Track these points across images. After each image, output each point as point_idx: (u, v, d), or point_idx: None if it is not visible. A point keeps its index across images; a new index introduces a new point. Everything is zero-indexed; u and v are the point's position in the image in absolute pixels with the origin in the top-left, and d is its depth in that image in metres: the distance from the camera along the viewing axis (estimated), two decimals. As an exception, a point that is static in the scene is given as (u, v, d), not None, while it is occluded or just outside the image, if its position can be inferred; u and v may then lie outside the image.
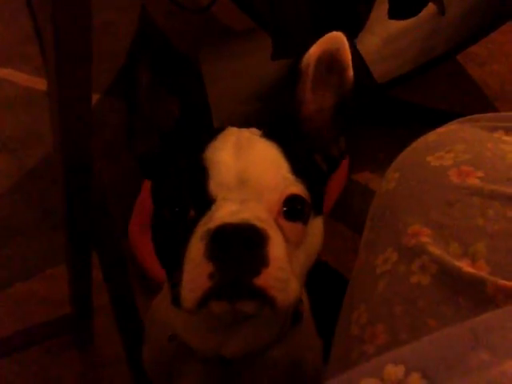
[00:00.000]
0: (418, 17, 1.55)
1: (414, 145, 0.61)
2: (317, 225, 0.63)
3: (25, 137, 1.54)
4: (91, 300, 1.04)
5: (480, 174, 0.52)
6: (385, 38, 1.63)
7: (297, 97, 0.65)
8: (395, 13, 1.14)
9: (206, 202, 0.58)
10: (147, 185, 0.71)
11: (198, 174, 0.59)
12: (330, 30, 1.18)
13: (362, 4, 1.13)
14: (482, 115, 0.61)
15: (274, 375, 0.75)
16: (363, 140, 1.63)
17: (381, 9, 1.50)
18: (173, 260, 0.59)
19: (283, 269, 0.56)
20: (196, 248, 0.56)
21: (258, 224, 0.55)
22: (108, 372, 1.13)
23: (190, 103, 0.69)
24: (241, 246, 0.54)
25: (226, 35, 1.85)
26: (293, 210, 0.59)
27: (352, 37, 1.16)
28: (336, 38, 0.62)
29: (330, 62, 0.62)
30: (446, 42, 1.64)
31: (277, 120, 0.67)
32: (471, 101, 1.83)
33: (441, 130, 0.61)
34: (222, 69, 1.70)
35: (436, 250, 0.49)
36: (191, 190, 0.60)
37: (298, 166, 0.62)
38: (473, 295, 0.46)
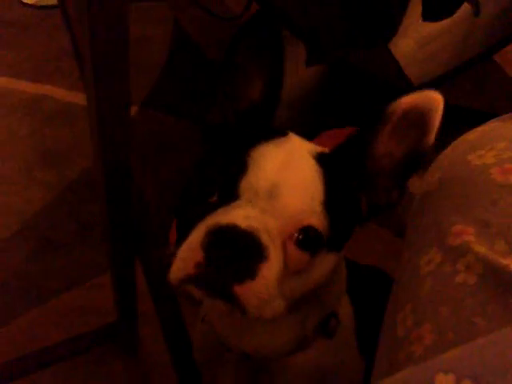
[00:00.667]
0: (453, 18, 1.54)
1: (454, 144, 0.61)
2: (326, 260, 0.63)
3: (65, 150, 1.57)
4: (136, 308, 1.05)
5: (524, 171, 0.51)
6: (419, 41, 1.61)
7: (373, 135, 0.64)
8: (429, 14, 1.13)
9: (231, 196, 0.59)
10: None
11: (239, 167, 0.60)
12: (364, 36, 1.19)
13: (396, 8, 1.12)
14: (523, 113, 0.61)
15: (299, 382, 0.75)
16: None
17: (415, 11, 1.50)
18: (184, 233, 0.60)
19: (266, 288, 0.57)
20: (199, 232, 0.57)
21: (264, 239, 0.57)
22: (153, 380, 1.14)
23: (271, 93, 0.70)
24: (236, 251, 0.56)
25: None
26: (305, 239, 0.59)
27: (386, 41, 1.16)
28: (432, 99, 0.60)
29: (417, 118, 0.60)
30: (481, 42, 1.63)
31: (345, 148, 0.66)
32: (508, 101, 1.80)
33: (481, 127, 0.60)
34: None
35: (481, 249, 0.48)
36: (225, 178, 0.61)
37: (335, 200, 0.61)
38: None
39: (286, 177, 0.60)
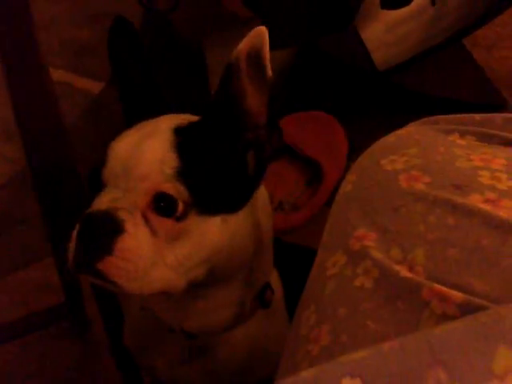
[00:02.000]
0: (420, 3, 1.54)
1: (373, 146, 0.62)
2: (208, 224, 0.65)
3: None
4: (80, 288, 1.07)
5: (427, 179, 0.53)
6: (387, 25, 1.61)
7: (232, 90, 0.66)
8: (387, 2, 1.13)
9: (100, 186, 0.66)
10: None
11: (103, 159, 0.66)
12: (324, 20, 1.19)
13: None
14: (441, 116, 0.62)
15: (238, 355, 0.78)
16: (363, 127, 1.63)
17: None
18: None
19: (129, 260, 0.62)
20: (76, 225, 0.64)
21: (120, 214, 0.62)
22: (104, 358, 1.16)
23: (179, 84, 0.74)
24: (90, 234, 0.62)
25: (231, 22, 1.86)
26: (164, 206, 0.63)
27: (344, 27, 1.16)
28: (260, 34, 0.63)
29: (257, 57, 0.63)
30: (450, 27, 1.63)
31: (214, 111, 0.69)
32: (477, 87, 1.80)
33: (399, 131, 0.62)
34: (227, 54, 1.71)
35: (378, 255, 0.50)
36: (93, 173, 0.67)
37: (197, 163, 0.64)
38: (409, 299, 0.47)
39: (136, 152, 0.64)
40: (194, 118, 0.70)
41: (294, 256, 0.88)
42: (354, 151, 1.57)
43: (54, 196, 0.85)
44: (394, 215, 0.52)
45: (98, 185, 0.66)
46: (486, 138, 0.58)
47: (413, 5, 1.53)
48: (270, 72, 0.64)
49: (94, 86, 1.71)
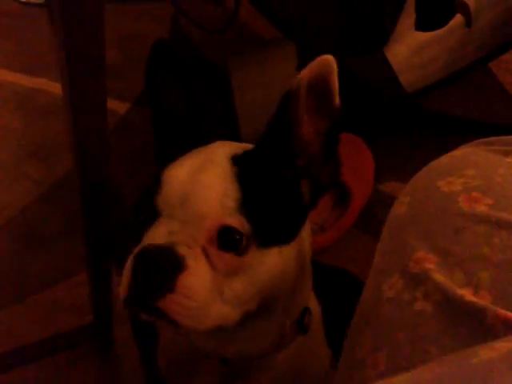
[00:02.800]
0: (448, 26, 1.54)
1: (427, 168, 0.61)
2: (266, 256, 0.63)
3: (56, 145, 1.57)
4: (111, 309, 1.06)
5: (489, 201, 0.52)
6: (414, 48, 1.61)
7: (291, 118, 0.64)
8: (422, 24, 1.13)
9: (154, 215, 0.62)
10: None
11: (155, 186, 0.63)
12: (356, 41, 1.18)
13: (388, 15, 1.12)
14: (497, 138, 0.60)
15: (278, 379, 0.76)
16: (390, 149, 1.62)
17: (411, 18, 1.50)
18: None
19: (191, 297, 0.59)
20: (130, 257, 0.61)
21: (180, 250, 0.59)
22: (127, 380, 1.15)
23: (203, 109, 0.72)
24: (152, 269, 0.58)
25: (256, 43, 1.86)
26: (226, 240, 0.60)
27: (378, 48, 1.16)
28: (326, 63, 0.61)
29: (321, 85, 0.61)
30: (476, 50, 1.63)
31: (268, 139, 0.67)
32: (503, 110, 1.80)
33: (454, 153, 0.60)
34: (251, 77, 1.71)
35: (440, 278, 0.49)
36: (146, 201, 0.63)
37: (258, 194, 0.62)
38: (472, 324, 0.45)
39: (195, 182, 0.61)
40: (247, 146, 0.68)
41: (325, 276, 0.87)
42: (381, 173, 1.56)
43: (98, 214, 0.85)
44: (455, 237, 0.51)
45: (149, 211, 0.63)
46: (544, 159, 0.57)
47: (441, 28, 1.53)
48: (337, 101, 0.62)
49: (120, 107, 1.72)
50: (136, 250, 0.60)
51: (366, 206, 1.49)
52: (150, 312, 0.60)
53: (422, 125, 1.69)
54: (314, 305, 0.78)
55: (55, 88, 1.70)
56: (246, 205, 0.60)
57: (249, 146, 0.67)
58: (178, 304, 0.58)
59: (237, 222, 0.60)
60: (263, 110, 1.67)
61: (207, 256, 0.60)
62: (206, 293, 0.59)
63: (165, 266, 0.58)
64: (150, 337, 0.89)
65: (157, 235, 0.60)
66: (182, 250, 0.59)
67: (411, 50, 1.62)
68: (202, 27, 1.46)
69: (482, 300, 0.46)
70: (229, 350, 0.73)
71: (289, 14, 1.32)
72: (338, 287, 0.87)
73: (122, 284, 0.61)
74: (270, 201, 0.64)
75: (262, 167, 0.65)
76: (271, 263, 0.64)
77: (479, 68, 1.67)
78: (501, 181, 0.53)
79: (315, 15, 1.25)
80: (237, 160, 0.64)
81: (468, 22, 1.22)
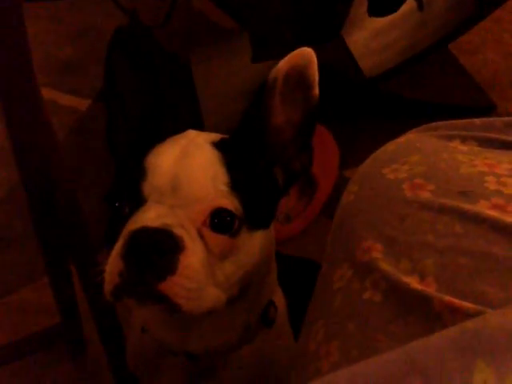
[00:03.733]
0: (405, 9, 1.55)
1: (374, 156, 0.61)
2: (253, 239, 0.64)
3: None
4: (77, 308, 1.05)
5: (432, 187, 0.52)
6: (373, 32, 1.62)
7: (266, 108, 0.66)
8: (375, 9, 1.13)
9: (139, 202, 0.61)
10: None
11: (138, 174, 0.62)
12: (310, 31, 1.18)
13: (340, 4, 1.12)
14: (441, 123, 0.61)
15: (245, 374, 0.76)
16: (354, 135, 1.63)
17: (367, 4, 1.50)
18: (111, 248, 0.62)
19: (192, 278, 0.58)
20: (117, 245, 0.59)
21: (176, 231, 0.58)
22: (102, 377, 1.14)
23: (167, 100, 0.71)
24: (150, 251, 0.57)
25: (216, 34, 1.85)
26: (219, 222, 0.61)
27: (332, 36, 1.16)
28: (306, 55, 0.62)
29: (298, 77, 0.63)
30: (434, 33, 1.63)
31: (241, 127, 0.68)
32: (464, 91, 1.81)
33: (399, 139, 0.61)
34: (213, 68, 1.70)
35: (387, 267, 0.49)
36: (129, 188, 0.63)
37: (241, 179, 0.63)
38: (420, 312, 0.46)
39: (184, 167, 0.61)
40: (217, 135, 0.68)
41: (291, 267, 0.87)
42: (345, 160, 1.56)
43: (48, 214, 0.84)
44: (400, 225, 0.51)
45: (131, 198, 0.62)
46: (488, 143, 0.58)
47: (398, 12, 1.53)
48: (317, 91, 0.63)
49: (80, 103, 1.69)
50: (125, 234, 0.59)
51: (332, 194, 1.50)
52: (147, 298, 0.59)
53: (384, 110, 1.70)
54: (279, 298, 0.78)
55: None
56: (236, 188, 0.61)
57: (218, 136, 0.68)
58: (180, 285, 0.57)
59: (230, 203, 0.61)
60: (225, 100, 1.67)
61: (202, 238, 0.60)
62: (204, 274, 0.59)
63: (165, 247, 0.57)
64: (117, 338, 0.89)
65: (147, 219, 0.59)
66: (179, 232, 0.58)
67: (370, 36, 1.63)
68: (142, 23, 1.44)
69: (428, 287, 0.47)
70: (193, 345, 0.72)
71: (245, 5, 1.32)
72: (304, 278, 0.87)
73: (109, 273, 0.59)
74: (253, 185, 0.65)
75: (240, 153, 0.65)
76: (258, 246, 0.65)
77: (439, 50, 1.68)
78: (444, 166, 0.53)
79: (270, 5, 1.25)
80: (216, 146, 0.64)
81: (420, 6, 1.22)
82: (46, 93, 1.69)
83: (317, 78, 0.63)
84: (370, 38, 1.62)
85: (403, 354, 0.38)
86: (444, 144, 0.57)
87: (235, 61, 1.68)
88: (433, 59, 1.70)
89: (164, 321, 0.72)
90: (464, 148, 0.56)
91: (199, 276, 0.59)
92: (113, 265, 0.59)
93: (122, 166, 0.68)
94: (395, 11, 1.19)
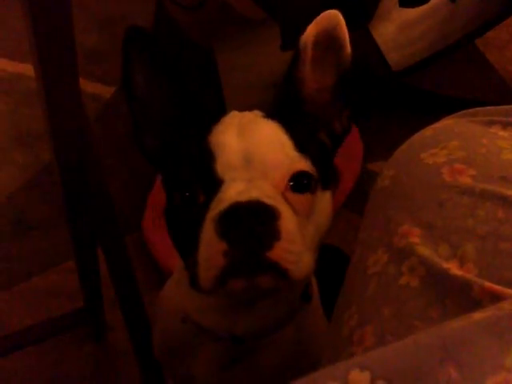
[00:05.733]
0: (434, 3, 1.53)
1: (410, 141, 0.60)
2: (325, 198, 0.65)
3: (41, 131, 1.55)
4: (101, 294, 1.06)
5: (472, 171, 0.51)
6: (400, 25, 1.60)
7: (297, 76, 0.66)
8: (406, 1, 1.12)
9: (214, 185, 0.61)
10: (159, 180, 0.72)
11: (205, 157, 0.62)
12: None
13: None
14: (480, 109, 0.60)
15: (284, 355, 0.76)
16: (378, 128, 1.62)
17: (396, -5, 1.49)
18: (188, 244, 0.61)
19: (295, 241, 0.59)
20: (209, 229, 0.58)
21: (267, 200, 0.58)
22: (120, 363, 1.14)
23: (192, 89, 0.70)
24: (251, 222, 0.57)
25: (241, 24, 1.84)
26: (300, 183, 0.62)
27: (361, 26, 1.15)
28: (332, 17, 0.62)
29: (328, 40, 0.63)
30: (463, 27, 1.62)
31: (279, 100, 0.68)
32: (490, 87, 1.79)
33: (437, 125, 0.60)
34: (237, 58, 1.69)
35: (425, 251, 0.48)
36: (199, 174, 0.62)
37: (302, 143, 0.63)
38: (459, 298, 0.45)
39: (250, 139, 0.62)
40: (259, 112, 0.68)
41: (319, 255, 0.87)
42: (370, 153, 1.55)
43: (78, 198, 0.84)
44: (439, 210, 0.50)
45: (205, 181, 0.61)
46: (528, 130, 0.56)
47: (426, 5, 1.51)
48: (349, 50, 0.64)
49: (105, 91, 1.70)
50: (215, 214, 0.58)
51: (356, 186, 1.49)
52: (258, 270, 0.58)
53: (410, 103, 1.69)
54: (313, 278, 0.78)
55: (39, 73, 1.69)
56: (303, 152, 0.62)
57: (260, 112, 0.68)
58: (287, 250, 0.58)
59: (306, 166, 0.62)
60: (250, 91, 1.66)
61: (288, 203, 0.61)
62: (301, 237, 0.60)
63: (266, 217, 0.57)
64: (143, 324, 0.89)
65: (234, 195, 0.59)
66: (269, 201, 0.58)
67: (398, 29, 1.61)
68: (178, 3, 1.43)
69: (468, 273, 0.46)
70: (243, 328, 0.72)
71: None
72: (329, 265, 0.87)
73: (208, 259, 0.58)
74: (313, 147, 0.65)
75: (291, 122, 0.65)
76: (328, 206, 0.66)
77: (466, 45, 1.66)
78: (484, 151, 0.52)
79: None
80: (270, 116, 0.65)
81: (453, -3, 1.21)
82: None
83: (347, 37, 0.63)
84: (398, 31, 1.60)
85: (437, 339, 0.38)
86: (484, 129, 0.56)
87: (259, 50, 1.67)
88: (459, 54, 1.69)
89: (217, 307, 0.71)
90: (504, 134, 0.55)
91: (298, 239, 0.59)
92: (211, 249, 0.58)
93: (174, 161, 0.67)
94: (426, 2, 1.17)
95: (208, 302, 0.71)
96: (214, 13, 1.83)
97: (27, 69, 1.69)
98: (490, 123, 0.57)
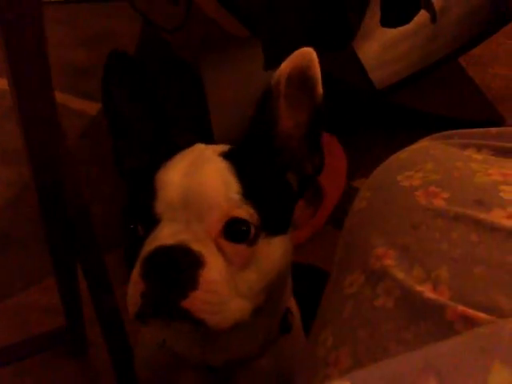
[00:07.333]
0: (417, 22, 1.54)
1: (387, 162, 0.61)
2: (273, 245, 0.63)
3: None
4: (82, 311, 1.05)
5: (446, 195, 0.51)
6: (384, 44, 1.62)
7: (269, 112, 0.65)
8: (387, 20, 1.13)
9: (152, 222, 0.61)
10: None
11: (148, 193, 0.61)
12: (321, 40, 1.18)
13: (353, 13, 1.12)
14: (456, 131, 0.61)
15: (263, 382, 0.75)
16: (363, 146, 1.63)
17: (379, 15, 1.50)
18: (130, 269, 0.61)
19: (216, 291, 0.58)
20: (136, 267, 0.59)
21: (194, 246, 0.58)
22: (101, 381, 1.14)
23: (172, 114, 0.71)
24: (169, 269, 0.57)
25: (227, 42, 1.85)
26: (236, 231, 0.60)
27: (343, 46, 1.16)
28: (306, 55, 0.62)
29: (301, 78, 0.62)
30: (445, 45, 1.64)
31: (250, 135, 0.67)
32: (473, 104, 1.81)
33: (413, 146, 0.60)
34: (223, 75, 1.70)
35: (400, 274, 0.49)
36: (140, 209, 0.62)
37: (253, 187, 0.62)
38: (433, 321, 0.45)
39: (194, 180, 0.61)
40: (225, 147, 0.67)
41: (297, 274, 0.87)
42: (354, 170, 1.56)
43: (57, 214, 0.84)
44: (413, 233, 0.50)
45: (144, 218, 0.61)
46: (502, 152, 0.57)
47: (410, 24, 1.53)
48: (321, 90, 0.63)
49: (91, 107, 1.70)
50: (143, 254, 0.58)
51: (339, 203, 1.49)
52: (172, 316, 0.58)
53: (393, 121, 1.70)
54: (293, 304, 0.77)
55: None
56: (249, 196, 0.61)
57: (227, 147, 0.67)
58: (203, 301, 0.57)
59: (245, 212, 0.60)
60: (235, 109, 1.67)
61: (220, 250, 0.60)
62: (226, 287, 0.59)
63: (185, 264, 0.57)
64: (122, 341, 0.88)
65: (163, 238, 0.59)
66: (197, 247, 0.58)
67: (381, 47, 1.63)
68: (159, 26, 1.44)
69: (442, 296, 0.46)
70: (215, 357, 0.71)
71: (256, 13, 1.32)
72: (311, 285, 0.87)
73: (132, 295, 0.59)
74: (267, 191, 0.64)
75: (251, 161, 0.65)
76: (278, 252, 0.64)
77: (449, 63, 1.68)
78: (458, 175, 0.53)
79: (282, 13, 1.25)
80: (226, 156, 0.64)
81: (433, 18, 1.22)
82: (57, 96, 1.70)
83: (319, 76, 0.63)
84: (381, 50, 1.62)
85: (418, 356, 0.38)
86: (458, 152, 0.57)
87: (245, 67, 1.68)
88: (442, 72, 1.71)
89: (187, 337, 0.71)
90: (478, 157, 0.56)
91: (221, 289, 0.59)
92: (134, 286, 0.59)
93: (133, 188, 0.67)
94: (408, 22, 1.19)
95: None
96: (198, 30, 1.84)
97: (6, 84, 1.69)
98: (465, 146, 0.58)
